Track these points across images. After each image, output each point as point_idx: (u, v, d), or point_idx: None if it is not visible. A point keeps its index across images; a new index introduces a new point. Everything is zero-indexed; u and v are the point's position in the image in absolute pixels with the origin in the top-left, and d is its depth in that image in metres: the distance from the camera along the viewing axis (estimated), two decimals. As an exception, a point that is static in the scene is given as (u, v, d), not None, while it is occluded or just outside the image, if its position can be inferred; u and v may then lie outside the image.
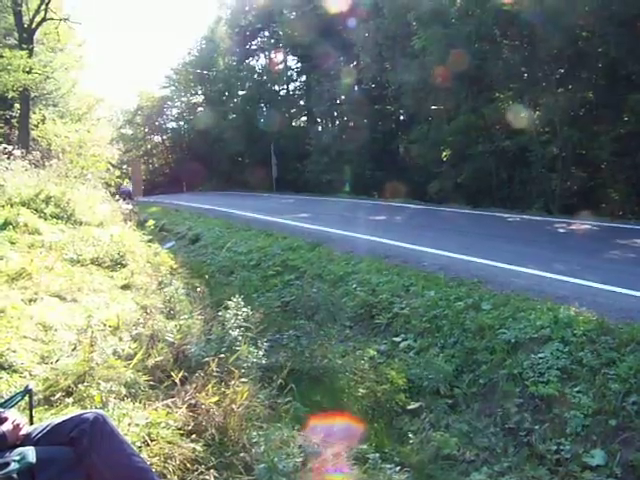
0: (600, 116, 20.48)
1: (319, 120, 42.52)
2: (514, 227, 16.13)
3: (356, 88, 35.12)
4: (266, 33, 47.83)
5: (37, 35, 27.24)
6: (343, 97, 37.07)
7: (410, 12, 25.34)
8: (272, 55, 48.53)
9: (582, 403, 5.34)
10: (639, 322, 6.15)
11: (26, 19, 26.30)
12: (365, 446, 4.85)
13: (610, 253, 11.11)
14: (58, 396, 4.21)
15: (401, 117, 34.65)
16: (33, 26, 26.29)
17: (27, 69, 22.45)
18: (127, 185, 40.59)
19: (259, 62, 49.52)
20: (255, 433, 4.18)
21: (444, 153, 27.35)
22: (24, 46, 24.34)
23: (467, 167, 24.13)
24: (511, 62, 22.02)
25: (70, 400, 4.15)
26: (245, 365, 5.05)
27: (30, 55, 23.91)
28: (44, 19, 26.62)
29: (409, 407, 6.21)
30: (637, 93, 18.29)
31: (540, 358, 6.04)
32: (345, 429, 5.11)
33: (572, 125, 20.53)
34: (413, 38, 24.73)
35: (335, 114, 39.93)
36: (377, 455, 4.62)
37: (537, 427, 5.44)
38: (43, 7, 26.09)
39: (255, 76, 47.63)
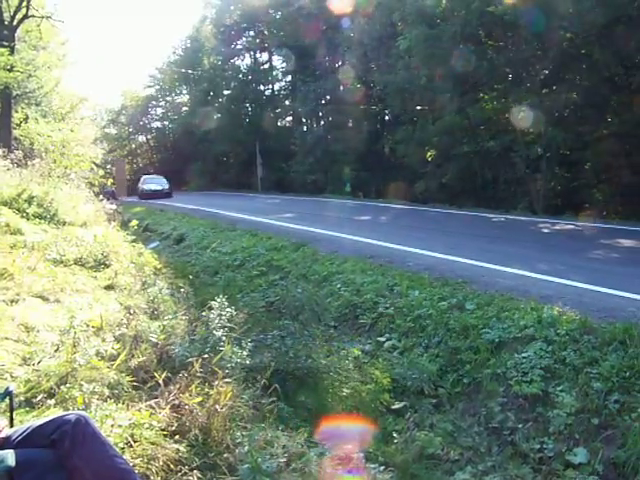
0: (584, 117, 20.63)
1: (304, 120, 42.57)
2: (499, 227, 16.18)
3: (341, 88, 35.16)
4: (251, 32, 47.79)
5: (19, 32, 26.94)
6: (328, 97, 37.14)
7: (395, 13, 25.39)
8: (257, 55, 48.53)
9: (565, 402, 5.37)
10: (621, 321, 6.19)
11: (7, 16, 25.95)
12: (349, 446, 4.84)
13: (594, 253, 11.17)
14: (40, 398, 4.17)
15: (386, 117, 34.78)
16: (14, 23, 25.97)
17: (8, 67, 22.19)
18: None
19: (244, 62, 49.54)
20: (239, 433, 4.17)
21: (429, 153, 27.48)
22: (5, 43, 24.03)
23: (452, 167, 24.26)
24: (495, 63, 22.10)
25: (52, 402, 4.10)
26: (229, 365, 5.03)
27: (11, 52, 23.63)
28: (25, 16, 26.34)
29: (393, 407, 6.22)
30: (620, 95, 18.44)
31: (524, 357, 6.06)
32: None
33: (556, 126, 20.65)
34: (398, 39, 24.77)
35: (320, 114, 40.00)
36: (361, 455, 4.61)
37: (520, 426, 5.46)
38: (24, 4, 25.84)
39: (240, 76, 47.64)
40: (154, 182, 38.86)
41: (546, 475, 4.93)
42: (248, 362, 5.32)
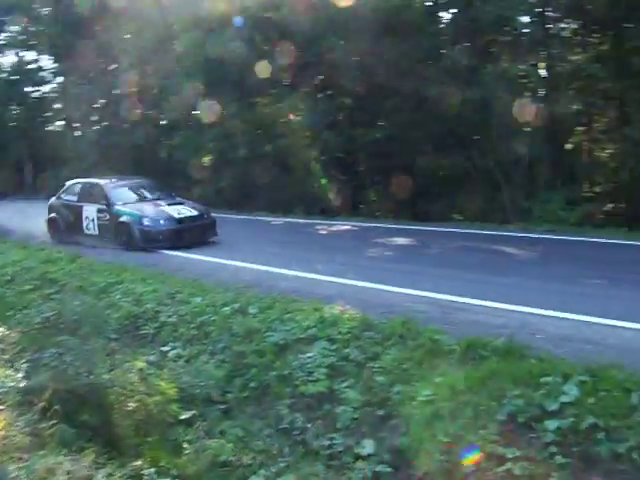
0: (357, 121, 21.56)
1: (77, 125, 40.71)
2: (278, 230, 16.51)
3: (116, 92, 34.03)
4: (16, 28, 44.67)
5: None
6: (103, 101, 35.84)
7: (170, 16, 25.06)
8: (23, 53, 45.57)
9: (351, 397, 5.54)
10: (399, 316, 6.50)
11: None
12: (139, 462, 4.67)
13: (370, 252, 11.73)
14: None
15: (163, 122, 34.17)
16: None
17: None
18: None
19: (8, 60, 46.18)
20: (14, 466, 3.82)
21: (205, 158, 27.39)
22: None
23: (229, 172, 24.36)
24: (271, 68, 22.39)
25: None
26: (1, 391, 4.65)
27: None
28: None
29: (182, 417, 6.10)
30: (391, 100, 19.45)
31: (308, 357, 6.18)
32: None
33: (331, 129, 21.35)
34: (174, 42, 24.45)
35: (94, 119, 38.45)
36: (152, 470, 4.46)
37: (310, 425, 5.56)
38: None
39: (4, 75, 44.49)
40: (163, 204, 14.40)
41: (338, 469, 5.06)
42: (23, 385, 4.96)
